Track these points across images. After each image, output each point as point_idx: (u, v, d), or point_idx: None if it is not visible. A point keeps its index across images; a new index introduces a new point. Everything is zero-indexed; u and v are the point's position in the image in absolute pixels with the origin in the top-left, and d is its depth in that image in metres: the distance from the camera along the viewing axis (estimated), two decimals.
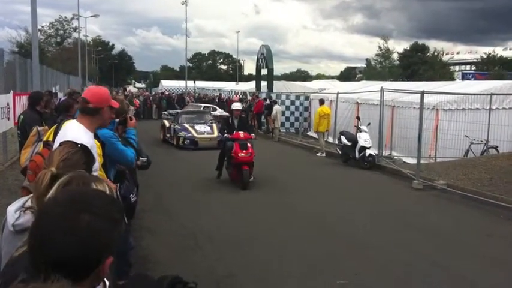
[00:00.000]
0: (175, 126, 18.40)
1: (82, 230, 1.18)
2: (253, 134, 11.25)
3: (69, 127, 3.23)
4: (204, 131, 17.98)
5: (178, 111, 22.97)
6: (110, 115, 3.49)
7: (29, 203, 2.03)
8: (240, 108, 11.94)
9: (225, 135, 11.01)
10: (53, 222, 1.19)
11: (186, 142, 17.46)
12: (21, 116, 7.69)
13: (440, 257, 6.29)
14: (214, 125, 18.38)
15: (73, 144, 2.27)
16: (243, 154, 10.39)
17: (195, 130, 17.89)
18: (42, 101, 7.67)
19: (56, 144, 2.96)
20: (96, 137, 3.40)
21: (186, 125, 18.33)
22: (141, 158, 4.90)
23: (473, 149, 13.49)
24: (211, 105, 30.97)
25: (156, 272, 5.10)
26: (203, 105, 30.60)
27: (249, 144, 10.66)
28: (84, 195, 1.29)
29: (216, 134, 17.25)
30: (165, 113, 29.65)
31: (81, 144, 2.27)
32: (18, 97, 12.67)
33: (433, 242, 6.99)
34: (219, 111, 28.63)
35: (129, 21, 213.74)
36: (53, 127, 3.81)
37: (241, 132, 10.85)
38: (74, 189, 1.51)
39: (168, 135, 19.17)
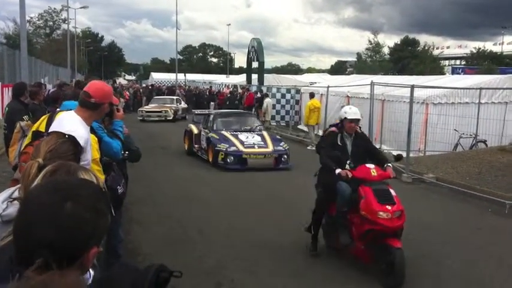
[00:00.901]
0: (210, 135, 12.67)
1: (65, 219, 1.17)
2: (389, 166, 5.70)
3: (66, 118, 3.15)
4: (254, 142, 12.31)
5: (212, 112, 15.90)
6: (107, 111, 3.46)
7: (16, 194, 2.01)
8: (359, 117, 6.26)
9: (337, 170, 5.48)
10: (36, 210, 1.18)
11: (229, 160, 11.87)
12: (7, 108, 7.59)
13: (430, 250, 6.35)
14: (265, 134, 13.19)
15: (61, 134, 2.25)
16: (387, 214, 5.16)
17: (241, 142, 12.24)
18: (26, 92, 7.43)
19: None
20: (93, 131, 3.37)
21: (225, 133, 12.71)
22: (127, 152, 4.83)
23: (462, 143, 13.59)
24: (174, 97, 28.90)
25: (145, 264, 5.09)
26: (171, 97, 29.12)
27: (392, 192, 5.44)
28: (68, 184, 1.28)
29: (270, 147, 12.21)
30: (140, 109, 27.21)
31: (69, 135, 2.25)
32: (6, 89, 12.57)
33: (422, 235, 7.03)
34: (183, 105, 27.55)
35: (118, 12, 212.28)
36: (44, 117, 3.72)
37: (371, 166, 5.58)
38: (59, 178, 1.50)
39: (196, 146, 13.65)
